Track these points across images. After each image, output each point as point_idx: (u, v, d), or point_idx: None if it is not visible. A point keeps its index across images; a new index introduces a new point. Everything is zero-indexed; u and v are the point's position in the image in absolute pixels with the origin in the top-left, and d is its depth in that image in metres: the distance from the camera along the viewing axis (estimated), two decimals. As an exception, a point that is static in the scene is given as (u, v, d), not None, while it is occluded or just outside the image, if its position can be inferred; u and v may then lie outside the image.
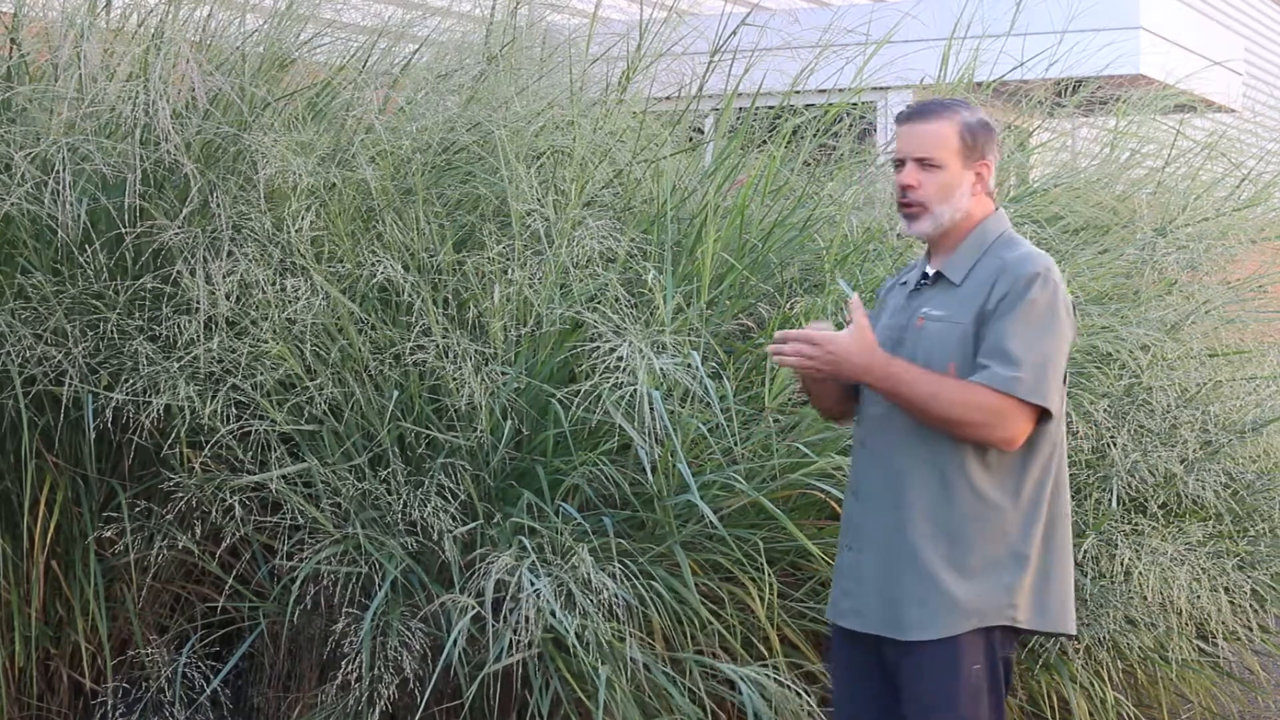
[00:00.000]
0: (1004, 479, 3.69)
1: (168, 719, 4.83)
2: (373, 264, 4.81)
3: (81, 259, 4.69)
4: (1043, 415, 3.67)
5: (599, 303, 5.01)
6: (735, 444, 4.83)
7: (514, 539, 4.61)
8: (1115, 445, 5.64)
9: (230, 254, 4.73)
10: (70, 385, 4.60)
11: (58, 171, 4.53)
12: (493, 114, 5.31)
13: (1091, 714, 5.52)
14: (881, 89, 8.07)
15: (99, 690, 4.91)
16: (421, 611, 4.65)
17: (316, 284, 4.73)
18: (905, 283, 3.91)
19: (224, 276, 4.63)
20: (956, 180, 3.76)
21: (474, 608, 4.45)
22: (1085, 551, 5.47)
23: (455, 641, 4.43)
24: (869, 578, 3.76)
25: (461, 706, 4.68)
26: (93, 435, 4.72)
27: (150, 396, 4.58)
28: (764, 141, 6.46)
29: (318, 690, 4.85)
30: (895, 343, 3.77)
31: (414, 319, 4.81)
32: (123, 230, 4.75)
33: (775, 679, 4.61)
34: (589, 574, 4.42)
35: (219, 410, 4.62)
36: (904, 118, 3.81)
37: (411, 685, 4.61)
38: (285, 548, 4.75)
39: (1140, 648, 5.57)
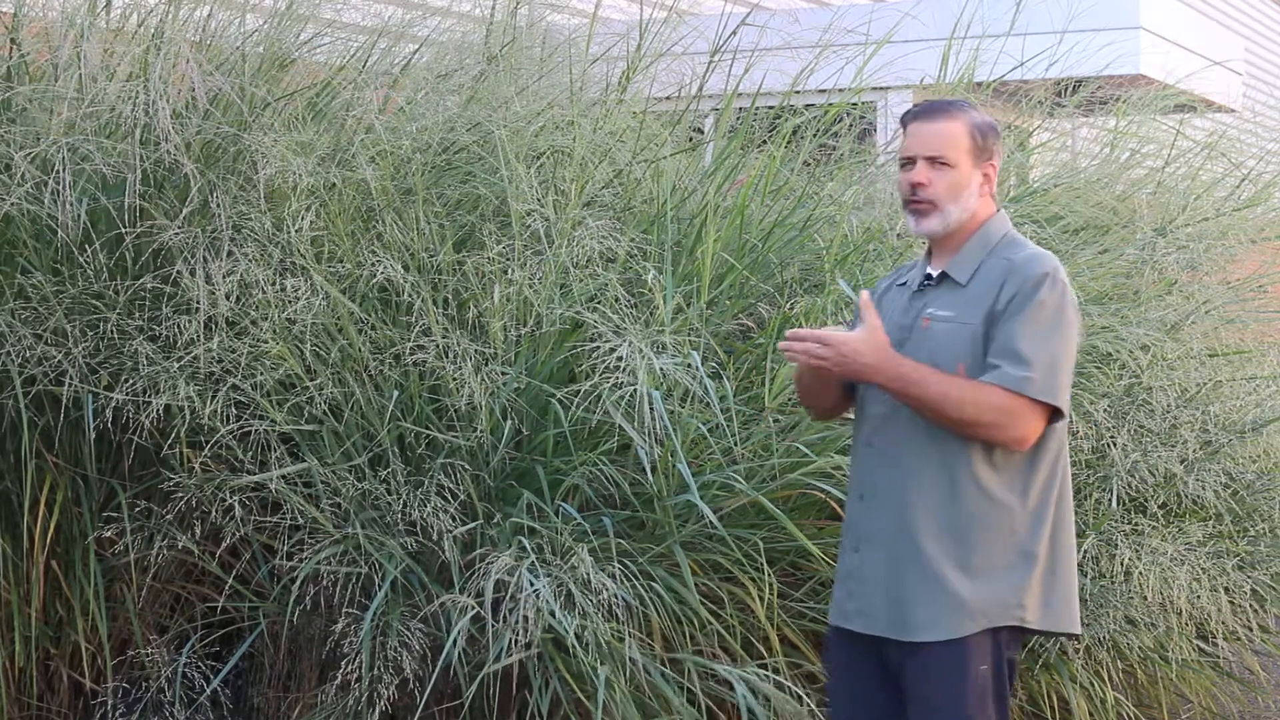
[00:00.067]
0: (1012, 478, 3.69)
1: (168, 719, 4.83)
2: (373, 264, 4.81)
3: (81, 259, 4.69)
4: (1053, 415, 3.68)
5: (599, 303, 5.00)
6: (735, 444, 4.83)
7: (514, 539, 4.61)
8: (1115, 445, 5.64)
9: (230, 254, 4.73)
10: (70, 385, 4.60)
11: (58, 171, 4.53)
12: (493, 114, 5.31)
13: (1091, 714, 5.51)
14: (881, 89, 8.07)
15: (99, 690, 4.91)
16: (421, 612, 4.65)
17: (316, 284, 4.73)
18: (904, 283, 3.90)
19: (224, 276, 4.63)
20: (966, 180, 3.77)
21: (474, 608, 4.45)
22: (1085, 551, 5.46)
23: (455, 641, 4.42)
24: (874, 579, 3.75)
25: (461, 706, 4.68)
26: (93, 435, 4.72)
27: (150, 396, 4.58)
28: (764, 141, 6.45)
29: (318, 690, 4.85)
30: (897, 343, 3.76)
31: (414, 319, 4.80)
32: (123, 230, 4.75)
33: (774, 680, 4.61)
34: (589, 574, 4.42)
35: (219, 410, 4.62)
36: (913, 117, 3.80)
37: (411, 685, 4.61)
38: (285, 548, 4.75)
39: (1140, 648, 5.56)
